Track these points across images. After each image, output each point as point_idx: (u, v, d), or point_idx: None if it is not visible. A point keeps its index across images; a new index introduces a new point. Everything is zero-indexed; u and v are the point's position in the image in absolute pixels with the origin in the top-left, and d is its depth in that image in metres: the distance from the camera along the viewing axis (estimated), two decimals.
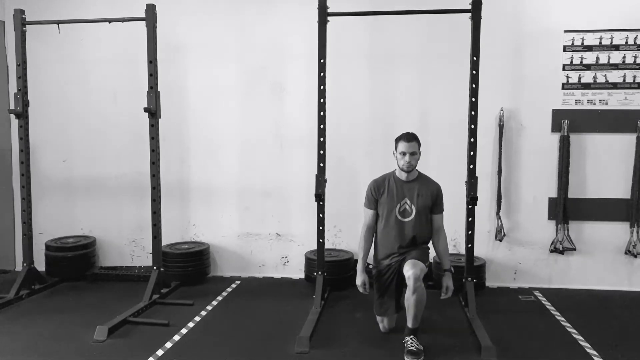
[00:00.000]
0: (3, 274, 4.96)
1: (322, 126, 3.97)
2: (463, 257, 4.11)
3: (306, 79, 4.44)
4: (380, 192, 3.44)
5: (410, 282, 3.13)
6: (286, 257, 4.90)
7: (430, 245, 3.53)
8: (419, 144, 3.37)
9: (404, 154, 3.33)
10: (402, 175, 3.42)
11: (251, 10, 4.71)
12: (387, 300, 3.45)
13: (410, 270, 3.15)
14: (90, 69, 4.90)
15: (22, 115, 4.28)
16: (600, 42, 4.38)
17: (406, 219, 3.40)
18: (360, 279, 3.47)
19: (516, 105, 4.48)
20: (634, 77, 4.37)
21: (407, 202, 3.40)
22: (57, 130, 4.99)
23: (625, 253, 4.45)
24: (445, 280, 3.43)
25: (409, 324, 3.20)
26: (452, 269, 3.46)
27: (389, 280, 3.43)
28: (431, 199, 3.41)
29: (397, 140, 3.39)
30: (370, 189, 3.49)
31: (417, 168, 3.44)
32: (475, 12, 3.75)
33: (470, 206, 3.88)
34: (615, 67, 4.38)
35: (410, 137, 3.34)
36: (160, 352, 3.22)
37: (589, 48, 4.39)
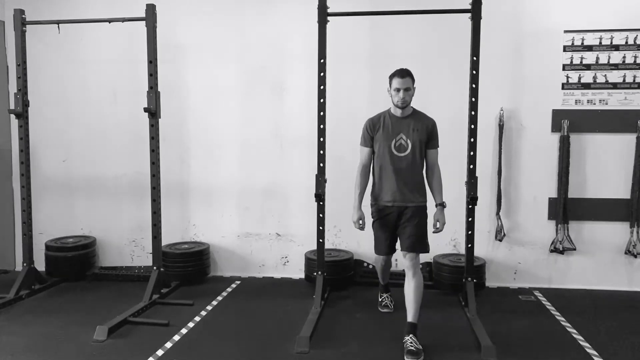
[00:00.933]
0: (3, 274, 4.96)
1: (322, 126, 3.97)
2: (463, 257, 4.10)
3: (306, 79, 4.44)
4: (376, 128, 3.46)
5: (409, 272, 3.23)
6: (286, 257, 4.90)
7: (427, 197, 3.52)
8: (413, 80, 3.37)
9: (397, 90, 3.33)
10: (397, 112, 3.43)
11: (251, 10, 4.71)
12: (386, 238, 3.51)
13: (409, 261, 3.22)
14: (90, 69, 4.90)
15: (22, 115, 4.28)
16: (600, 42, 4.38)
17: (402, 154, 3.40)
18: (356, 215, 3.51)
19: (516, 105, 4.48)
20: (634, 77, 4.37)
21: (402, 137, 3.40)
22: (57, 130, 4.99)
23: (625, 253, 4.45)
24: (437, 214, 3.45)
25: (410, 317, 3.22)
26: (444, 203, 3.47)
27: (388, 219, 3.46)
28: (426, 133, 3.42)
29: (391, 77, 3.39)
30: (365, 126, 3.51)
31: (411, 105, 3.44)
32: (475, 12, 3.75)
33: (470, 206, 3.88)
34: (615, 67, 4.38)
35: (404, 73, 3.34)
36: (160, 352, 3.22)
37: (589, 48, 4.39)
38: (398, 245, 3.51)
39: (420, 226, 3.40)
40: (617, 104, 4.39)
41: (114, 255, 5.05)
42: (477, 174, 3.86)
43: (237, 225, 4.91)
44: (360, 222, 3.51)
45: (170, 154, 4.76)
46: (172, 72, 4.70)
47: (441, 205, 3.45)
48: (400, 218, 3.42)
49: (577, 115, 4.41)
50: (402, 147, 3.41)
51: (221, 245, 4.94)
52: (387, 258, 3.69)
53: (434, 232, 3.45)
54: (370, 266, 4.58)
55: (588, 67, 4.40)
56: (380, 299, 3.98)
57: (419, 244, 3.35)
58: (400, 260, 4.05)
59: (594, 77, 4.40)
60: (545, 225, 4.53)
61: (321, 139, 3.98)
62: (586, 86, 4.41)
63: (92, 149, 4.97)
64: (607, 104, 4.40)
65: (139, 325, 3.66)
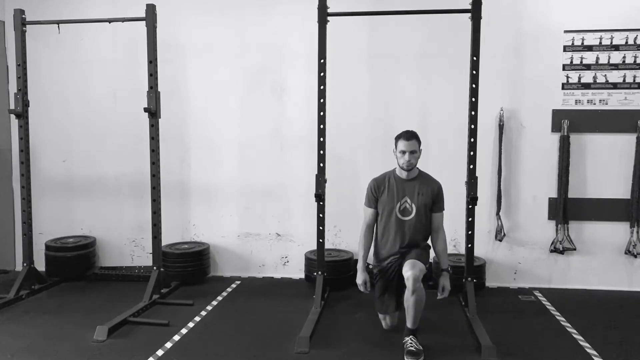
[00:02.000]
0: (3, 274, 4.96)
1: (322, 126, 3.97)
2: (463, 257, 4.10)
3: (306, 79, 4.44)
4: (381, 190, 3.43)
5: (409, 283, 3.12)
6: (286, 257, 4.90)
7: (430, 243, 3.52)
8: (419, 142, 3.36)
9: (403, 152, 3.31)
10: (403, 174, 3.41)
11: (251, 10, 4.71)
12: (388, 298, 3.45)
13: (409, 271, 3.14)
14: (90, 69, 4.90)
15: (22, 115, 4.28)
16: (600, 42, 4.38)
17: (406, 218, 3.39)
18: (361, 277, 3.47)
19: (516, 105, 4.47)
20: (634, 77, 4.37)
21: (407, 201, 3.39)
22: (57, 130, 4.99)
23: (625, 253, 4.45)
24: (442, 280, 3.42)
25: (409, 325, 3.20)
26: (449, 269, 3.46)
27: (390, 278, 3.43)
28: (432, 197, 3.40)
29: (397, 138, 3.37)
30: (370, 187, 3.48)
31: (417, 166, 3.43)
32: (475, 12, 3.75)
33: (470, 206, 3.88)
34: (615, 67, 4.38)
35: (409, 136, 3.32)
36: (160, 352, 3.22)
37: (589, 48, 4.39)
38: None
39: (422, 252, 3.37)
40: (617, 104, 4.39)
41: (114, 255, 5.05)
42: (477, 174, 3.86)
43: (237, 225, 4.91)
44: (366, 284, 3.47)
45: (170, 154, 4.76)
46: (172, 72, 4.70)
47: (446, 270, 3.43)
48: (401, 266, 3.33)
49: (577, 115, 4.41)
50: (407, 211, 3.39)
51: (221, 245, 4.94)
52: (391, 318, 3.53)
53: (438, 299, 3.42)
54: (371, 266, 4.57)
55: (588, 67, 4.40)
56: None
57: (419, 258, 3.29)
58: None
59: (594, 77, 4.40)
60: (545, 225, 4.53)
61: (321, 139, 3.98)
62: (586, 86, 4.41)
63: (92, 149, 4.97)
64: (607, 104, 4.40)
65: (139, 325, 3.66)
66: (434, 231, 3.46)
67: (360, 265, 3.49)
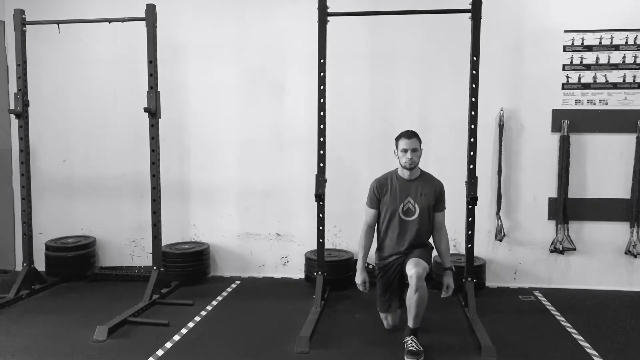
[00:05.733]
0: (3, 274, 4.96)
1: (322, 126, 3.97)
2: (463, 257, 4.10)
3: (306, 79, 4.44)
4: (384, 191, 3.43)
5: (412, 281, 3.13)
6: (286, 257, 4.90)
7: (432, 242, 3.53)
8: (420, 141, 3.36)
9: (405, 151, 3.31)
10: (405, 174, 3.41)
11: (251, 10, 4.71)
12: (390, 297, 3.46)
13: (413, 269, 3.15)
14: (90, 69, 4.90)
15: (22, 115, 4.28)
16: (600, 42, 4.38)
17: (409, 218, 3.39)
18: (360, 277, 3.48)
19: (516, 105, 4.47)
20: (634, 77, 4.37)
21: (410, 202, 3.39)
22: (57, 130, 4.99)
23: (625, 253, 4.45)
24: (446, 279, 3.43)
25: (410, 324, 3.20)
26: (453, 267, 3.46)
27: (392, 277, 3.43)
28: (434, 197, 3.40)
29: (398, 138, 3.38)
30: (372, 188, 3.48)
31: (419, 166, 3.43)
32: (475, 12, 3.75)
33: (470, 206, 3.88)
34: (615, 67, 4.38)
35: (410, 134, 3.33)
36: (160, 352, 3.22)
37: (589, 48, 4.39)
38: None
39: (425, 252, 3.37)
40: (617, 104, 4.39)
41: (114, 255, 5.05)
42: (477, 174, 3.86)
43: (237, 225, 4.91)
44: (365, 284, 3.49)
45: (170, 154, 4.76)
46: (172, 72, 4.70)
47: (450, 269, 3.44)
48: (403, 265, 3.34)
49: (577, 115, 4.41)
50: (410, 211, 3.39)
51: (221, 245, 4.94)
52: (393, 317, 3.53)
53: (442, 297, 3.44)
54: (371, 266, 4.57)
55: (588, 67, 4.40)
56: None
57: (422, 257, 3.29)
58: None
59: (594, 77, 4.40)
60: (545, 225, 4.53)
61: (321, 139, 3.98)
62: (586, 86, 4.41)
63: (92, 149, 4.97)
64: (607, 104, 4.40)
65: (139, 325, 3.66)
66: (436, 230, 3.46)
67: (359, 265, 3.49)
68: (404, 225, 3.39)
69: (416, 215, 3.38)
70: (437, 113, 4.55)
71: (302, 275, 4.71)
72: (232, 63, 4.77)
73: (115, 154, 4.95)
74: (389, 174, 3.49)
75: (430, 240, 3.52)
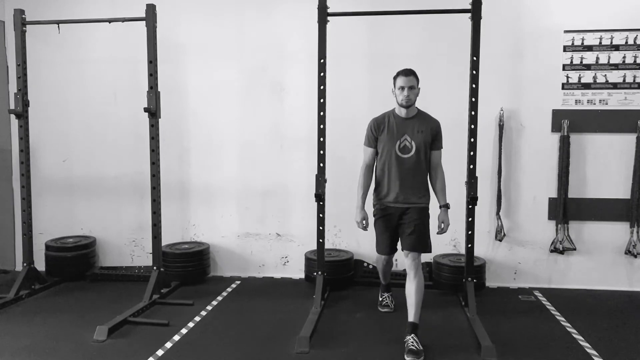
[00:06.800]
0: (3, 274, 4.96)
1: (322, 126, 3.97)
2: (463, 257, 4.10)
3: (306, 79, 4.45)
4: (381, 129, 3.45)
5: (411, 272, 3.23)
6: (286, 257, 4.90)
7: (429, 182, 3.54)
8: (417, 79, 3.37)
9: (402, 88, 3.33)
10: (402, 112, 3.42)
11: (251, 10, 4.71)
12: (387, 237, 3.51)
13: (410, 260, 3.22)
14: (91, 69, 4.90)
15: (22, 115, 4.28)
16: (600, 42, 4.38)
17: (406, 156, 3.40)
18: (359, 215, 3.52)
19: (516, 105, 4.48)
20: (634, 77, 4.37)
21: (407, 139, 3.40)
22: (57, 130, 4.99)
23: (625, 253, 4.45)
24: (442, 215, 3.44)
25: (410, 317, 3.22)
26: (448, 204, 3.47)
27: (389, 220, 3.47)
28: (431, 135, 3.42)
29: (395, 76, 3.40)
30: (370, 126, 3.50)
31: (416, 105, 3.44)
32: (475, 12, 3.75)
33: (470, 206, 3.88)
34: (615, 67, 4.38)
35: (408, 72, 3.35)
36: (160, 352, 3.22)
37: (589, 48, 4.39)
38: (399, 245, 3.51)
39: (422, 227, 3.40)
40: (617, 104, 4.39)
41: (114, 255, 5.05)
42: (477, 174, 3.86)
43: (237, 225, 4.91)
44: (364, 222, 3.52)
45: (170, 154, 4.76)
46: (172, 72, 4.70)
47: (445, 206, 3.45)
48: (401, 218, 3.42)
49: (577, 115, 4.41)
50: (407, 148, 3.40)
51: (221, 245, 4.94)
52: (388, 258, 3.69)
53: (438, 234, 3.46)
54: (371, 266, 4.58)
55: (588, 67, 4.40)
56: (380, 299, 3.98)
57: (420, 244, 3.35)
58: (401, 260, 4.05)
59: (594, 77, 4.40)
60: (545, 225, 4.53)
61: (321, 139, 3.98)
62: (586, 86, 4.41)
63: (92, 149, 4.97)
64: (607, 104, 4.40)
65: (139, 325, 3.66)
66: (432, 168, 3.48)
67: (359, 204, 3.53)
68: (400, 163, 3.40)
69: (412, 152, 3.39)
70: (437, 113, 4.50)
71: (302, 275, 4.71)
72: (232, 63, 4.77)
73: (115, 154, 4.95)
74: (386, 113, 3.50)
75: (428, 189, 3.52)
